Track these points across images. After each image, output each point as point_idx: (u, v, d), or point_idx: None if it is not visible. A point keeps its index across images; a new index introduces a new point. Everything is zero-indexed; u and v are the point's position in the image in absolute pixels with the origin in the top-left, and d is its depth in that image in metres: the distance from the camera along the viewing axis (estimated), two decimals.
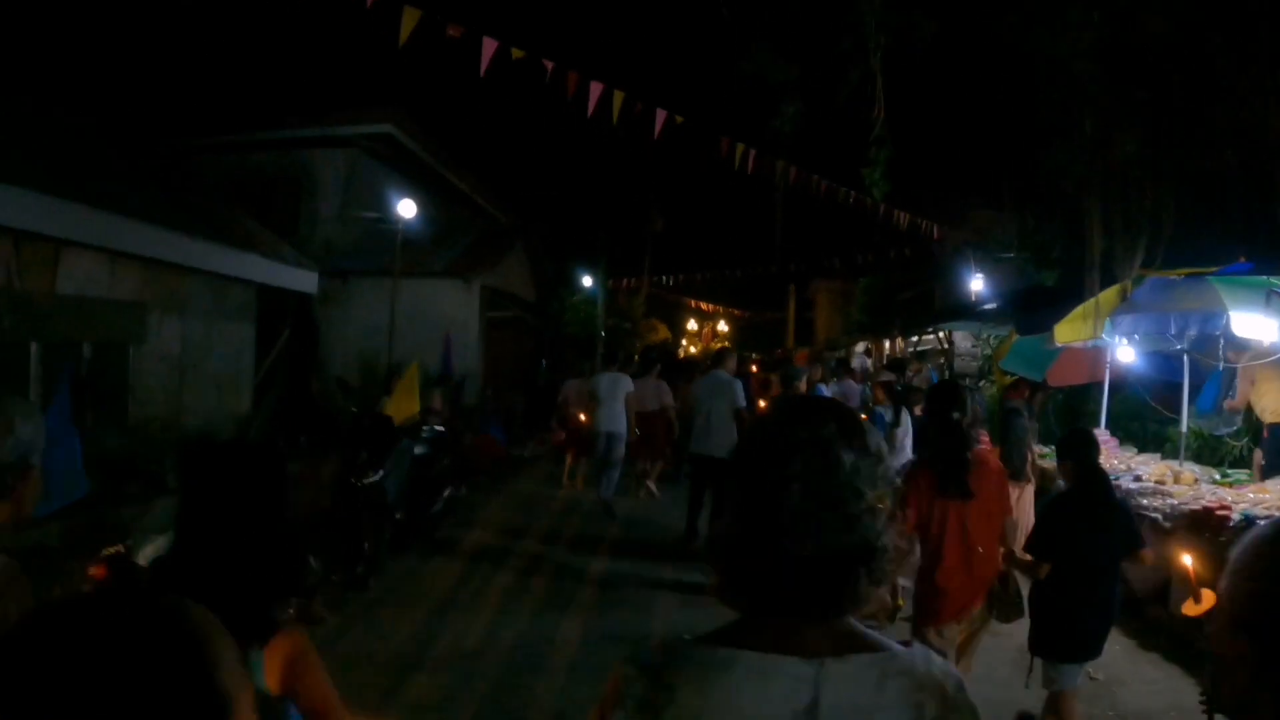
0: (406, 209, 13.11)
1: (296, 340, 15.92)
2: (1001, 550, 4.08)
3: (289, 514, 2.01)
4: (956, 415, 3.88)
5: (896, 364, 13.36)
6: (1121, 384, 9.92)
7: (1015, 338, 8.31)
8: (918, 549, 3.97)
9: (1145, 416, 9.79)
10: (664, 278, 30.61)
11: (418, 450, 8.27)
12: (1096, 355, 8.98)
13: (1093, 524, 3.93)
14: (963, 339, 14.90)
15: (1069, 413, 11.21)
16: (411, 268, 15.07)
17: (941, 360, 19.24)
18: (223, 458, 2.00)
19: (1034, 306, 9.84)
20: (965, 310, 11.78)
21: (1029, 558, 4.04)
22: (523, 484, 12.51)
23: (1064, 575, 3.90)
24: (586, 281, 25.01)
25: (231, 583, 1.71)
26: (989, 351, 14.40)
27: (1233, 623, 1.01)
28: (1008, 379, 12.75)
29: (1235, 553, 1.05)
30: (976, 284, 14.35)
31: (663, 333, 36.61)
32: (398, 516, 7.48)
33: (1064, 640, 3.97)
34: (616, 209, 25.19)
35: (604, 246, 24.31)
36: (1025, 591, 4.17)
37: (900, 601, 4.77)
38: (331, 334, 15.93)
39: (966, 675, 2.86)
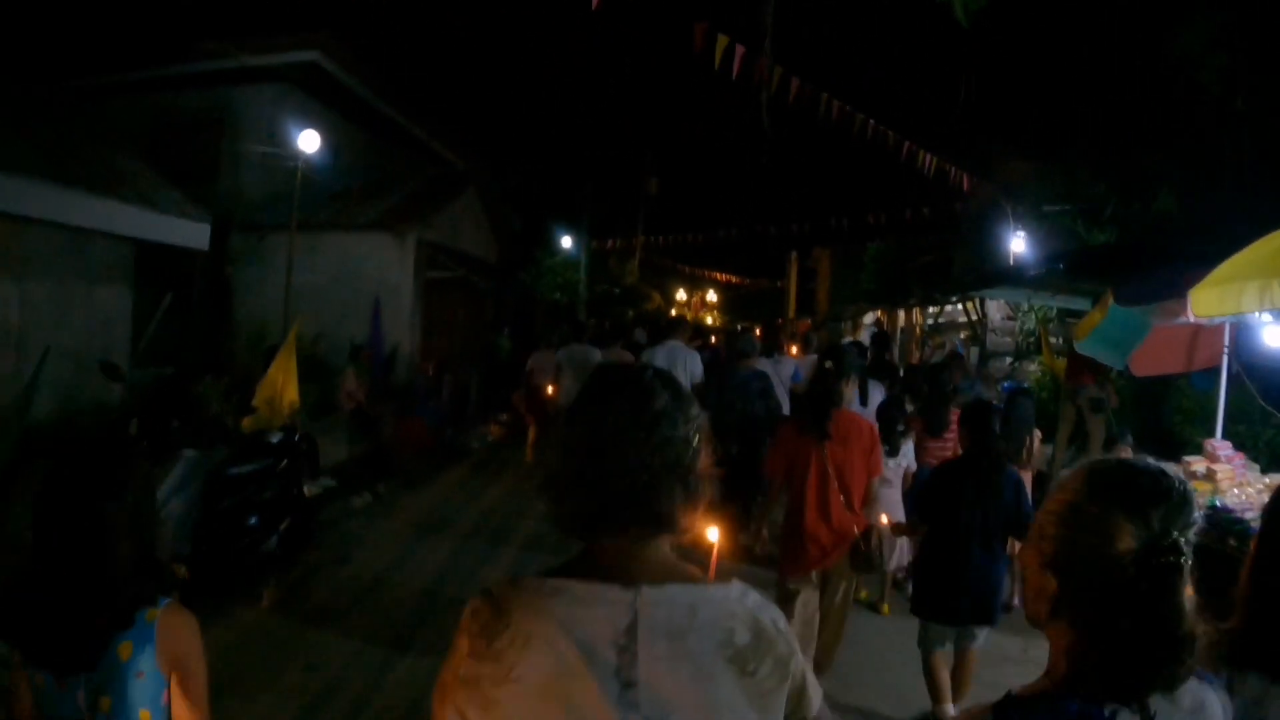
0: (308, 142, 10.61)
1: (205, 308, 13.59)
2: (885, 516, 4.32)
3: (136, 527, 1.88)
4: (829, 364, 4.31)
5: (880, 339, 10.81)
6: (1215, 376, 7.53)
7: (1101, 311, 5.90)
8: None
9: (1256, 420, 7.37)
10: (655, 237, 27.94)
11: (243, 467, 5.78)
12: (1205, 337, 6.57)
13: (975, 495, 3.97)
14: (996, 310, 12.48)
15: (1146, 407, 8.78)
16: (334, 219, 12.64)
17: (963, 336, 16.75)
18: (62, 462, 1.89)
19: (1094, 271, 7.37)
20: (1004, 276, 9.25)
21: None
22: (449, 482, 10.10)
23: (938, 539, 4.03)
24: (566, 242, 22.50)
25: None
26: (1030, 325, 11.91)
27: (1041, 561, 1.27)
28: (1059, 361, 10.32)
29: (1047, 500, 1.31)
30: (1017, 244, 11.89)
31: (655, 301, 34.17)
32: (180, 564, 4.98)
33: (932, 601, 4.08)
34: (603, 158, 22.54)
35: (588, 202, 21.76)
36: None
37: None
38: (249, 299, 13.48)
39: (839, 635, 4.37)
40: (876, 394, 6.71)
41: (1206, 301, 4.38)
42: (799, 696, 1.29)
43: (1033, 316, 11.75)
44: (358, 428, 10.50)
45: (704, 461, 1.29)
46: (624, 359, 9.24)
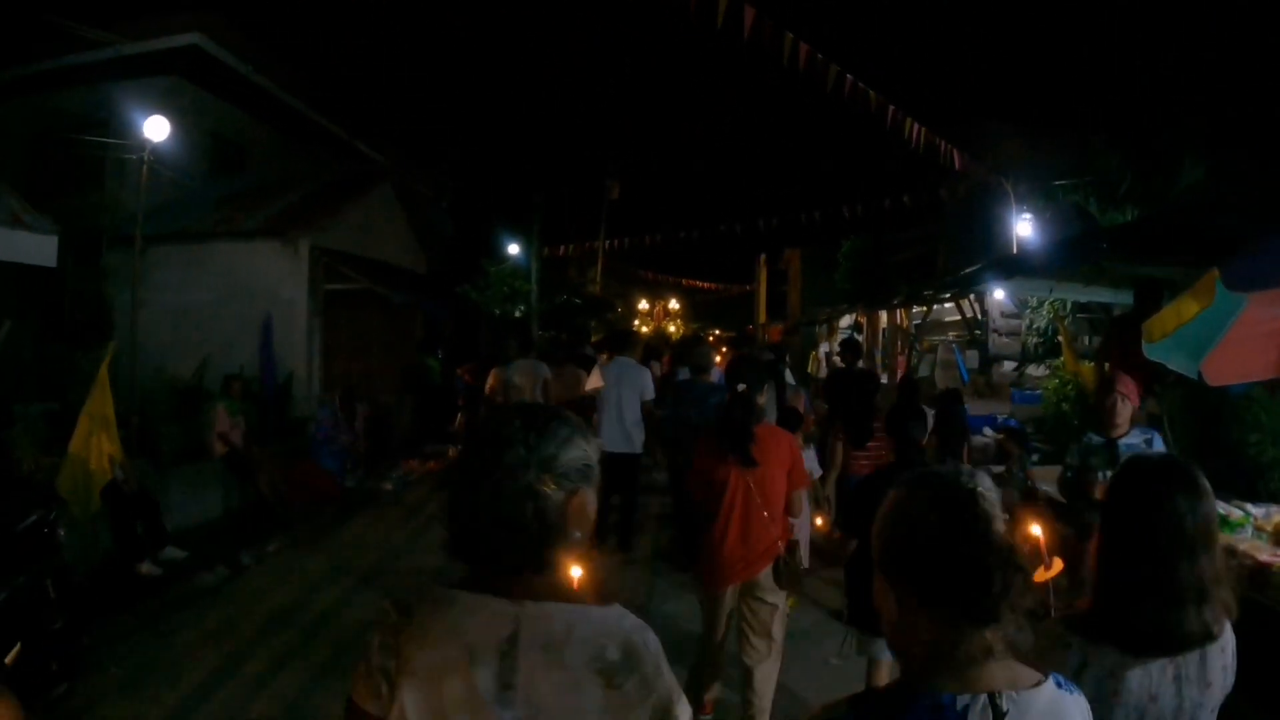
0: (155, 130, 8.68)
1: (83, 334, 11.59)
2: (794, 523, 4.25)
3: None
4: (742, 386, 4.16)
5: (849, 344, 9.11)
6: None
7: (1198, 301, 4.17)
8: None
9: None
10: (614, 242, 26.07)
11: None
12: None
13: None
14: (997, 307, 10.73)
15: (1202, 423, 7.01)
16: (217, 227, 10.71)
17: (952, 336, 15.03)
18: None
19: (1160, 248, 5.62)
20: (1021, 263, 7.45)
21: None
22: (342, 541, 8.07)
23: (869, 551, 2.56)
24: (514, 250, 20.58)
25: None
26: (1041, 323, 10.17)
27: (876, 563, 1.35)
28: (1084, 366, 8.56)
29: (881, 505, 1.37)
30: (1023, 228, 10.19)
31: (618, 311, 32.34)
32: None
33: (868, 611, 2.44)
34: (558, 154, 20.63)
35: (539, 204, 19.81)
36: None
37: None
38: (129, 322, 11.44)
39: (776, 647, 4.05)
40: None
41: None
42: (664, 713, 1.40)
43: (1045, 313, 10.02)
44: (232, 476, 8.56)
45: (576, 507, 1.41)
46: (575, 377, 8.93)
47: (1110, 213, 10.36)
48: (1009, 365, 10.60)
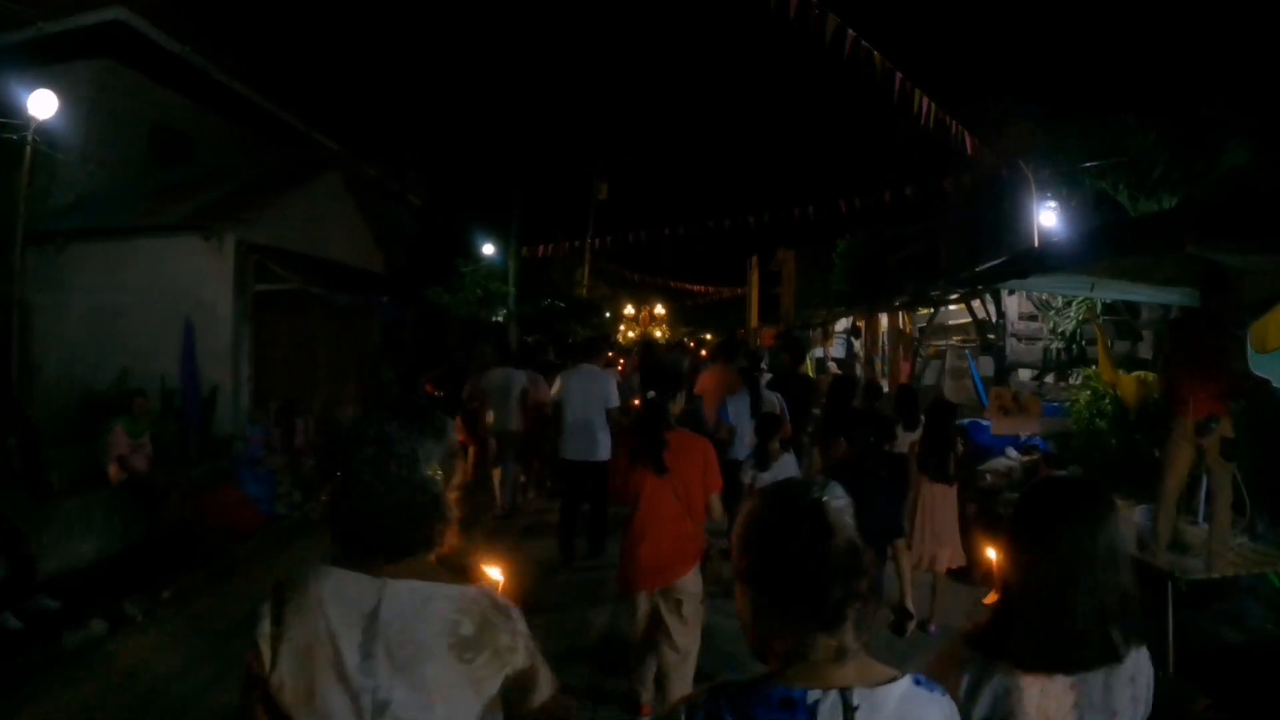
0: (40, 106, 7.54)
1: None
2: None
3: None
4: (653, 394, 4.18)
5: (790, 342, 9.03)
6: None
7: None
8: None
9: None
10: (598, 240, 24.88)
11: None
12: None
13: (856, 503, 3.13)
14: (1015, 307, 9.55)
15: (1269, 440, 5.86)
16: (136, 221, 9.51)
17: (956, 340, 13.88)
18: None
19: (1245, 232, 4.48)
20: (1062, 256, 6.19)
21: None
22: (259, 580, 6.91)
23: None
24: (489, 249, 19.36)
25: None
26: (1067, 327, 9.00)
27: (737, 573, 1.41)
28: (1124, 377, 7.40)
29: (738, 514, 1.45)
30: (1047, 217, 9.04)
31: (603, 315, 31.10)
32: None
33: None
34: (538, 145, 19.36)
35: (518, 199, 18.56)
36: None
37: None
38: (47, 328, 10.20)
39: (693, 642, 4.08)
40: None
41: None
42: (523, 684, 1.54)
43: (1071, 314, 8.85)
44: (134, 507, 7.36)
45: (452, 488, 1.59)
46: (537, 385, 9.04)
47: (1142, 201, 9.22)
48: (1026, 373, 9.44)
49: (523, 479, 9.63)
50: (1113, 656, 1.64)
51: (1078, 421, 8.10)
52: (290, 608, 1.45)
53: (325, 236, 11.14)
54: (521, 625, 1.53)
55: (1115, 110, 9.50)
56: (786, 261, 31.75)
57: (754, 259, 36.74)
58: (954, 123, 8.63)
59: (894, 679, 1.28)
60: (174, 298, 9.23)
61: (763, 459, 5.58)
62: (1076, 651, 1.62)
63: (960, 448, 6.12)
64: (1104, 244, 5.68)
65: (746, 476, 5.57)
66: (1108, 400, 7.53)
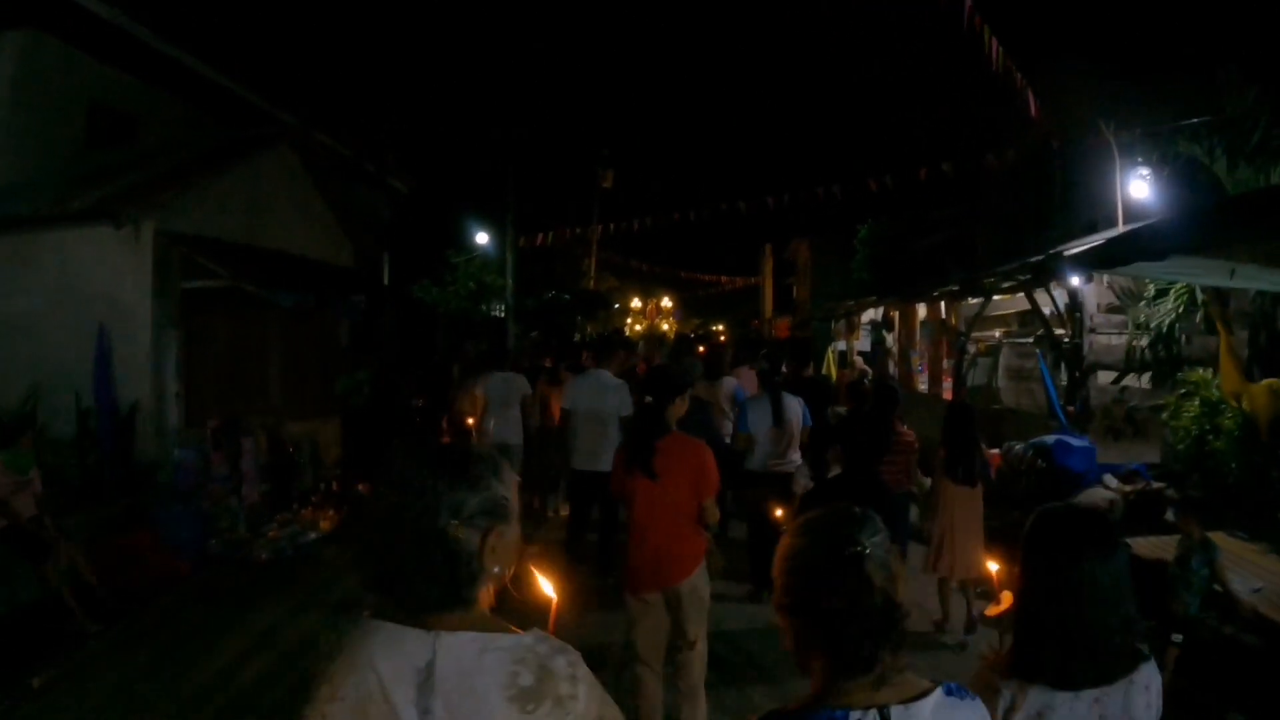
0: None
1: None
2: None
3: None
4: (648, 399, 4.11)
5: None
6: None
7: None
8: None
9: None
10: (605, 226, 23.42)
11: None
12: None
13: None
14: (1094, 297, 7.98)
15: None
16: (42, 211, 8.07)
17: (1000, 333, 12.35)
18: None
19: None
20: (1166, 239, 4.66)
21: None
22: (163, 656, 5.34)
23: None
24: (483, 239, 17.89)
25: None
26: (1160, 321, 7.45)
27: (777, 604, 1.44)
28: (1255, 387, 5.88)
29: (780, 544, 1.47)
30: (1139, 188, 7.52)
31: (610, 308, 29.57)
32: None
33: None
34: (536, 124, 17.84)
35: (512, 183, 17.06)
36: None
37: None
38: None
39: (699, 652, 4.02)
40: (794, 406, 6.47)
41: None
42: None
43: (1171, 305, 7.29)
44: (10, 563, 5.92)
45: (491, 545, 1.40)
46: (552, 397, 8.46)
47: (1241, 167, 7.67)
48: (1105, 376, 7.90)
49: (536, 504, 8.81)
50: (1130, 667, 1.70)
51: (1180, 440, 6.59)
52: (340, 664, 1.34)
53: (274, 224, 9.62)
54: (581, 669, 1.42)
55: (1208, 63, 7.99)
56: (801, 250, 30.23)
57: (768, 247, 35.24)
58: (1019, 74, 7.08)
59: (928, 691, 1.34)
60: (87, 300, 7.76)
61: (819, 468, 5.51)
62: (1099, 667, 1.67)
63: (985, 452, 5.82)
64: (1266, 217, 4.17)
65: (799, 486, 5.68)
66: (1227, 415, 6.00)
